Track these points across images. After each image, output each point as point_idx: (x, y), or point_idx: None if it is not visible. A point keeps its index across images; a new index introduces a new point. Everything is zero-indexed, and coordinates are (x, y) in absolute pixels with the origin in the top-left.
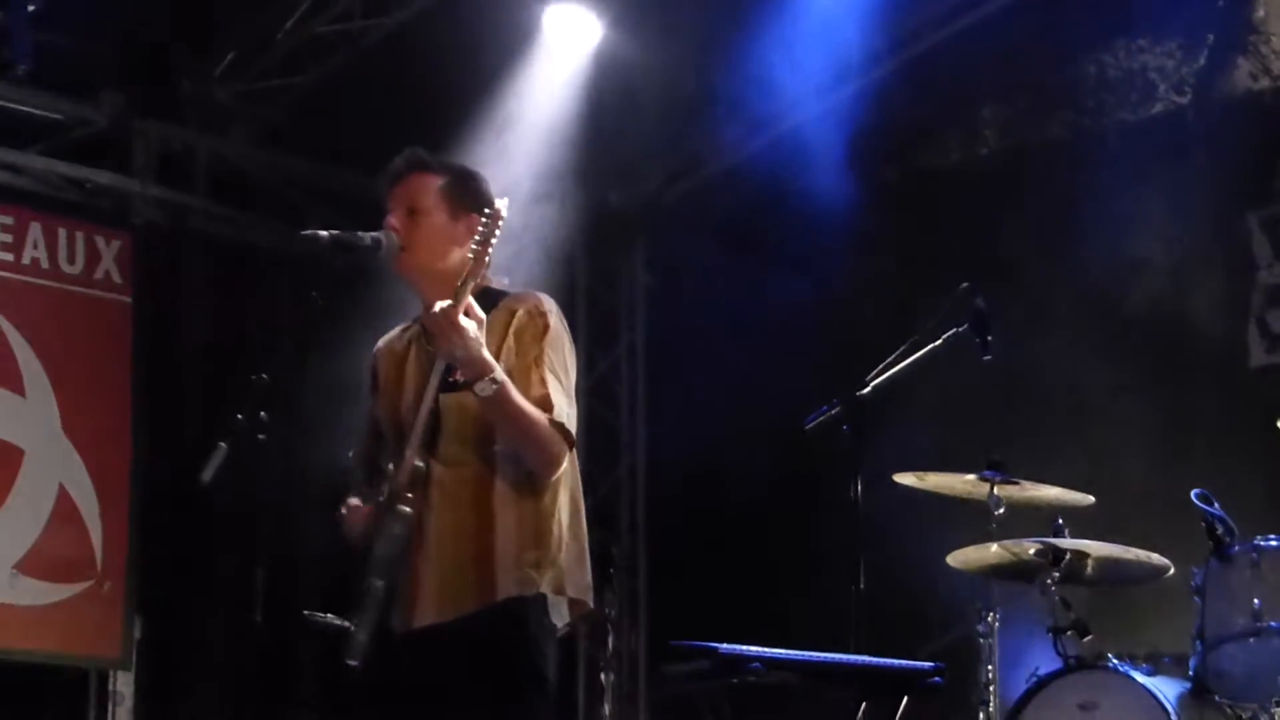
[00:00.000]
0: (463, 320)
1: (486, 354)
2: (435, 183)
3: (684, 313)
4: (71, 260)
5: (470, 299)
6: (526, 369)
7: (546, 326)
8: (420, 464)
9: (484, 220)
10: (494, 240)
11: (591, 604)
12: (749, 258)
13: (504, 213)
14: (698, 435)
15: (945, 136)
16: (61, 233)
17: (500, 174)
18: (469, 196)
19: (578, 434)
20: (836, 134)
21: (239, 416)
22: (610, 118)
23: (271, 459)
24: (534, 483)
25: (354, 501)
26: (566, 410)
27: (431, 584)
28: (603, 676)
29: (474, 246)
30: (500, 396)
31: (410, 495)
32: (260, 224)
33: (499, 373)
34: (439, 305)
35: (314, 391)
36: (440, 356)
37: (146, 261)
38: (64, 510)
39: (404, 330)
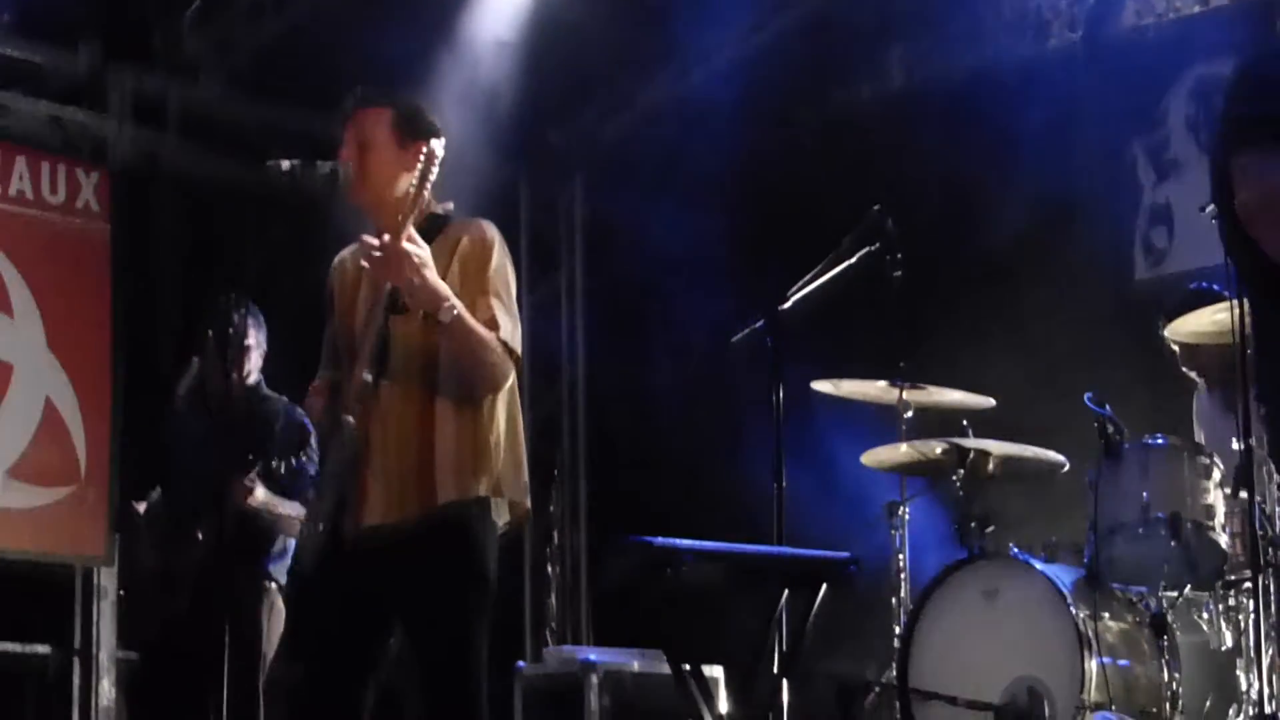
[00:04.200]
0: (412, 248)
1: (439, 282)
2: (384, 116)
3: (619, 240)
4: (54, 191)
5: (412, 231)
6: (473, 293)
7: (490, 252)
8: (368, 380)
9: (420, 160)
10: (430, 178)
11: (529, 506)
12: (680, 188)
13: (439, 152)
14: (633, 351)
15: (857, 75)
16: (45, 166)
17: (446, 113)
18: (415, 127)
19: (524, 354)
20: (758, 72)
21: (209, 333)
22: (549, 60)
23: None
24: (473, 399)
25: (315, 386)
26: (511, 329)
27: (377, 490)
28: (548, 570)
29: (412, 183)
30: (459, 322)
31: (359, 409)
32: (227, 161)
33: (454, 299)
34: (380, 240)
35: (276, 311)
36: (398, 287)
37: (123, 195)
38: (50, 421)
39: (358, 250)
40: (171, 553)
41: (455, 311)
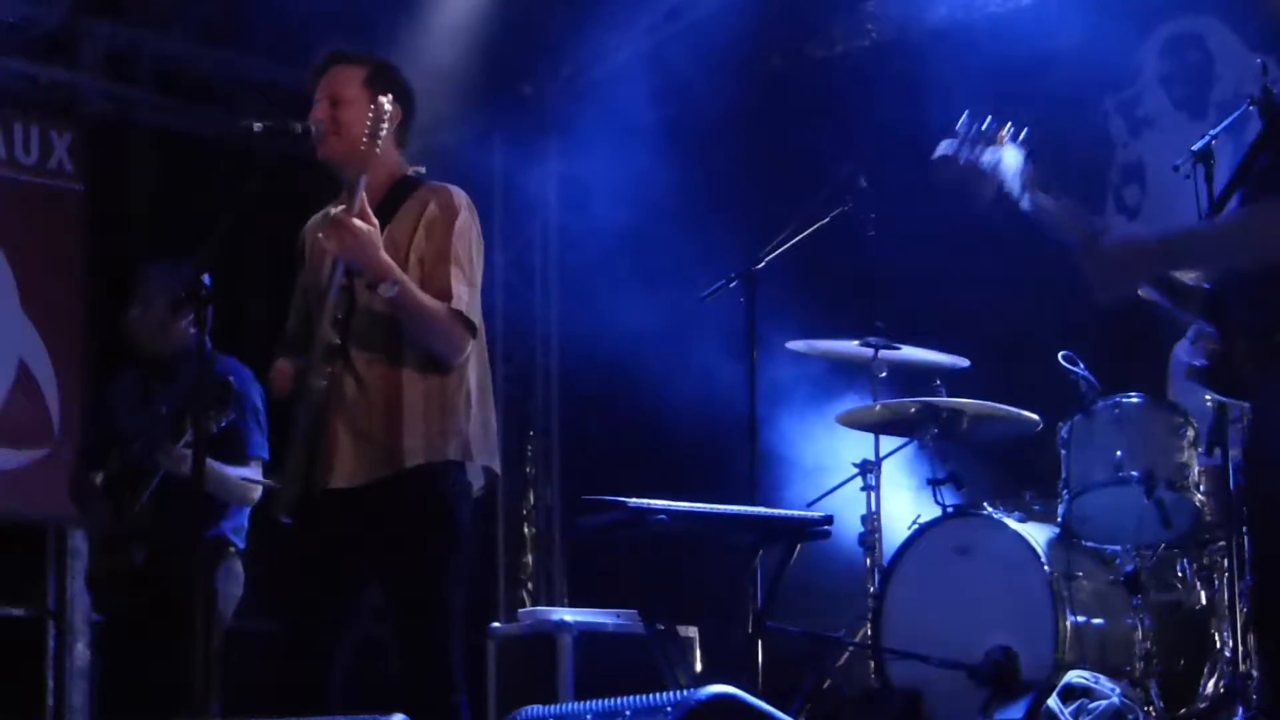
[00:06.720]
0: (357, 224)
1: (383, 256)
2: (357, 74)
3: (593, 195)
4: (27, 152)
5: (364, 204)
6: (434, 259)
7: (455, 219)
8: (335, 341)
9: (369, 117)
10: (381, 134)
11: (499, 470)
12: (652, 144)
13: (387, 108)
14: (606, 308)
15: (831, 28)
16: (18, 127)
17: (421, 70)
18: (388, 86)
19: (498, 310)
20: (733, 26)
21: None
22: (523, 12)
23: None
24: (439, 363)
25: (280, 365)
26: (466, 299)
27: (345, 451)
28: (524, 528)
29: (364, 140)
30: (401, 296)
31: (327, 370)
32: (200, 114)
33: (398, 273)
34: (335, 211)
35: (250, 269)
36: (340, 260)
37: (96, 150)
38: (24, 382)
39: (332, 210)
40: (125, 516)
41: (397, 288)
